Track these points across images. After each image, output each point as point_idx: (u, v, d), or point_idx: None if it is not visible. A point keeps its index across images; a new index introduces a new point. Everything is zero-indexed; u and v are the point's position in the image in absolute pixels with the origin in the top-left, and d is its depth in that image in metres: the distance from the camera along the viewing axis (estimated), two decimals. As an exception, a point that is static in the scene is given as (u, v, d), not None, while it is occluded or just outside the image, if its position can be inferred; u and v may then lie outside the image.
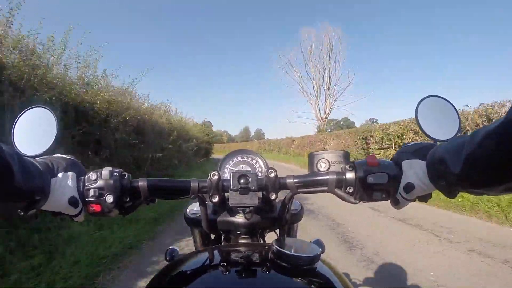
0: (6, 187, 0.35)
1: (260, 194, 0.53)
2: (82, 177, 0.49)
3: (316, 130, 23.84)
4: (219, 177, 0.50)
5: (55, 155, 0.51)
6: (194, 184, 0.51)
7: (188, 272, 0.45)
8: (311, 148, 16.15)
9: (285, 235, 0.66)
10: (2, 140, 0.35)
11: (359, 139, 10.36)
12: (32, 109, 0.55)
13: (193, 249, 0.67)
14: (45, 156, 0.50)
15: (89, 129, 3.79)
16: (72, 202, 0.46)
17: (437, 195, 0.47)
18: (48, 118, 0.53)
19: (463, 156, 0.36)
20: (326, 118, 24.92)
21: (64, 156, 0.51)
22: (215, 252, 0.52)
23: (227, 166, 0.66)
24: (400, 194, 0.49)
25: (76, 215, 0.49)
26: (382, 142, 8.41)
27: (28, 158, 0.42)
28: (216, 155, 22.28)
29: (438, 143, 0.48)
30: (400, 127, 7.74)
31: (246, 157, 0.67)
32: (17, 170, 0.36)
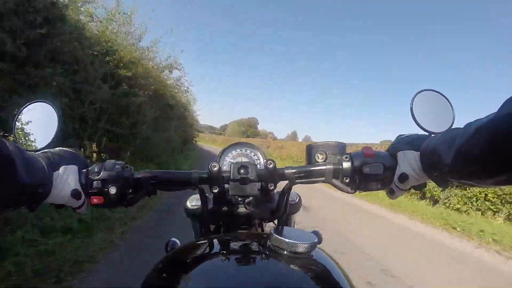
0: (10, 182, 0.36)
1: (259, 185, 0.54)
2: (85, 170, 0.50)
3: None
4: (219, 169, 0.51)
5: (57, 149, 0.52)
6: (195, 176, 0.52)
7: (187, 261, 0.46)
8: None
9: (284, 225, 0.67)
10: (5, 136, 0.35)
11: None
12: (33, 103, 0.55)
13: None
14: (47, 150, 0.51)
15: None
16: (75, 194, 0.47)
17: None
18: (49, 112, 0.54)
19: (455, 148, 0.37)
20: None
21: (66, 149, 0.52)
22: (214, 241, 0.53)
23: (226, 158, 0.68)
24: (395, 184, 0.50)
25: (79, 207, 0.50)
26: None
27: (30, 153, 0.43)
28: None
29: (432, 135, 0.49)
30: None
31: (244, 150, 0.68)
32: (20, 165, 0.37)
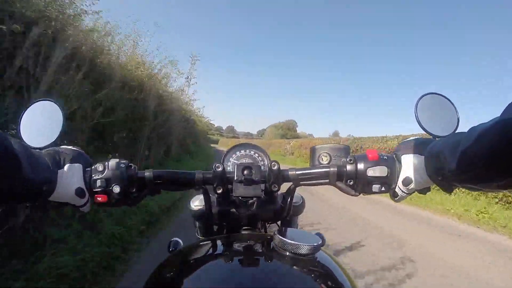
0: (15, 179, 0.36)
1: (263, 186, 0.54)
2: (89, 168, 0.50)
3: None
4: (224, 169, 0.51)
5: (62, 147, 0.52)
6: (198, 176, 0.52)
7: (191, 262, 0.46)
8: None
9: (287, 226, 0.67)
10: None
11: None
12: (38, 102, 0.55)
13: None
14: (52, 148, 0.51)
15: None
16: (79, 193, 0.47)
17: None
18: (54, 111, 0.54)
19: (459, 152, 0.37)
20: None
21: (71, 148, 0.52)
22: (218, 242, 0.53)
23: (231, 159, 0.68)
24: (399, 187, 0.50)
25: (82, 206, 0.50)
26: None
27: (35, 150, 0.43)
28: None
29: (437, 139, 0.49)
30: None
31: (249, 151, 0.68)
32: (25, 162, 0.37)
